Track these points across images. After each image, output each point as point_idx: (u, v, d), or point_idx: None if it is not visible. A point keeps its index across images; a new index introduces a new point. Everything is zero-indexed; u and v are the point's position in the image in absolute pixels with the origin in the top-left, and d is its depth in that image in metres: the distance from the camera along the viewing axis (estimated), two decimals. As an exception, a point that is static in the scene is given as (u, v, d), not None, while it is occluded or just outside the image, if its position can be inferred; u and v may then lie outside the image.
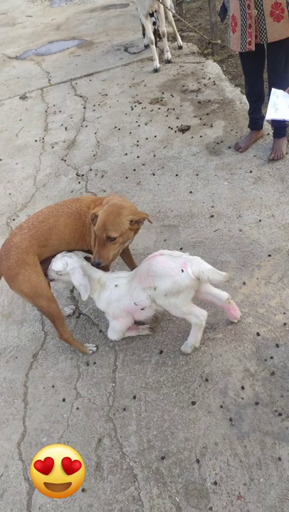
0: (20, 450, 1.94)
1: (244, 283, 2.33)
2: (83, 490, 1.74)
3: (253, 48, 2.68)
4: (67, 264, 2.00)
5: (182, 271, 1.83)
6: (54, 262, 2.03)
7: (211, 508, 1.61)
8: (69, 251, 2.10)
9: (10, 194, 3.54)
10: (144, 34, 5.37)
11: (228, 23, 2.75)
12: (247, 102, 3.74)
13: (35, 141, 4.12)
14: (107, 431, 1.91)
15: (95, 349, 2.23)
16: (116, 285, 2.04)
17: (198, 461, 1.74)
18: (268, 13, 2.53)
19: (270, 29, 2.58)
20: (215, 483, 1.67)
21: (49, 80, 5.10)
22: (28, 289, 1.99)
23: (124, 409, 1.96)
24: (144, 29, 5.39)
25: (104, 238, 1.93)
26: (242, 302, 2.23)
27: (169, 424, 1.87)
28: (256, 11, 2.56)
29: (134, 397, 1.99)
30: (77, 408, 2.02)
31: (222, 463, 1.72)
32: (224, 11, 2.98)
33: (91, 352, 2.22)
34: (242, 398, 1.88)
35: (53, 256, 2.08)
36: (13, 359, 2.33)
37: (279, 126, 3.02)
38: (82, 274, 1.99)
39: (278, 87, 2.57)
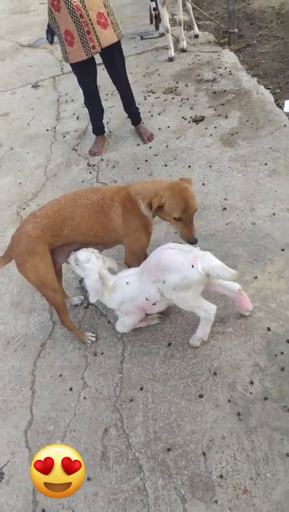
0: (27, 438, 1.96)
1: (256, 277, 2.30)
2: (88, 479, 1.75)
3: (99, 50, 2.89)
4: (88, 261, 1.97)
5: (192, 266, 1.80)
6: (82, 251, 2.02)
7: (216, 501, 1.60)
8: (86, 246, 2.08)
9: (20, 183, 3.53)
10: (150, 22, 5.39)
11: (66, 40, 2.91)
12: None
13: (47, 130, 4.09)
14: (114, 421, 1.91)
15: (94, 339, 2.22)
16: (127, 282, 2.01)
17: (204, 454, 1.73)
18: (95, 22, 2.81)
19: (100, 36, 2.86)
20: (221, 476, 1.66)
21: (62, 68, 5.06)
22: (34, 278, 2.00)
23: (131, 400, 1.96)
24: (151, 18, 5.35)
25: (193, 213, 1.96)
26: (253, 296, 2.20)
27: (175, 417, 1.86)
28: (88, 20, 2.79)
29: (142, 389, 1.98)
30: (84, 398, 2.02)
31: (229, 457, 1.70)
32: (51, 33, 3.10)
33: (90, 342, 2.22)
34: (250, 393, 1.86)
35: (68, 244, 2.07)
36: (21, 347, 2.34)
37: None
38: (97, 279, 1.95)
39: (125, 86, 3.25)
